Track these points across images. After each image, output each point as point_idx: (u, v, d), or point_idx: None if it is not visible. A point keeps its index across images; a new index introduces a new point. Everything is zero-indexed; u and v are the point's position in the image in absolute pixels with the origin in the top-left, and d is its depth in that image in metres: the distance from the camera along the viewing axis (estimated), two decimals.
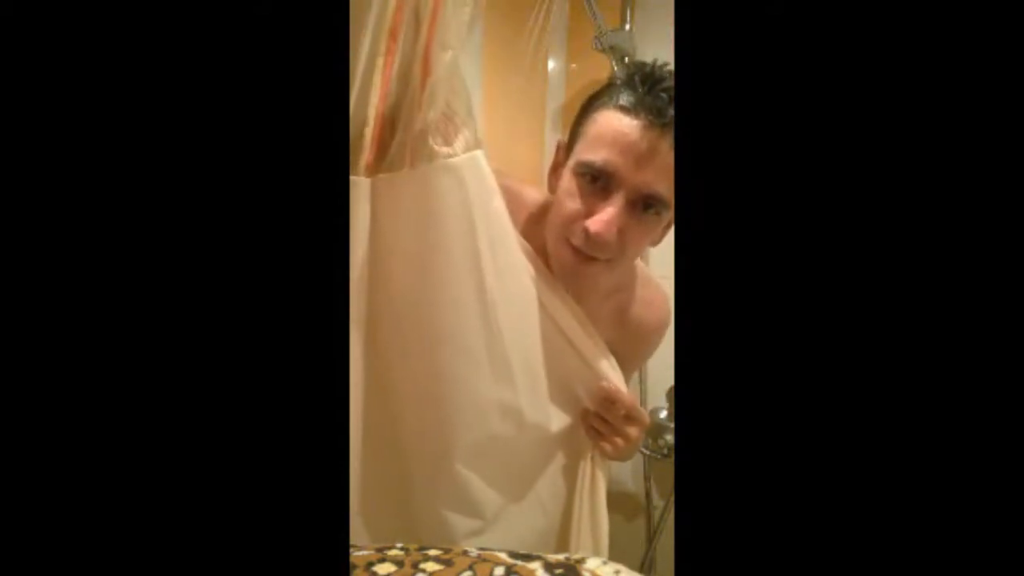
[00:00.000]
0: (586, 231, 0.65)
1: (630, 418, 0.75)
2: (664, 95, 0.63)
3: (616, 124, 0.64)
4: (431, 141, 0.58)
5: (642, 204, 0.65)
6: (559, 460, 0.77)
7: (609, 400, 0.73)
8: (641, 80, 0.64)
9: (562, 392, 0.74)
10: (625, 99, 0.64)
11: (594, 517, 0.75)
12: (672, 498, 1.54)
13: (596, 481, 0.76)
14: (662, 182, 0.63)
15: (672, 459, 1.53)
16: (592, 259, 0.68)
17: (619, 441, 0.74)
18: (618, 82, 0.66)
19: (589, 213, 0.65)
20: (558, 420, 0.73)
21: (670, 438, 1.54)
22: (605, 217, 0.64)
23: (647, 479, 1.65)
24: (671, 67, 0.66)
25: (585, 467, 0.76)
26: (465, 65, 0.59)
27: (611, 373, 0.75)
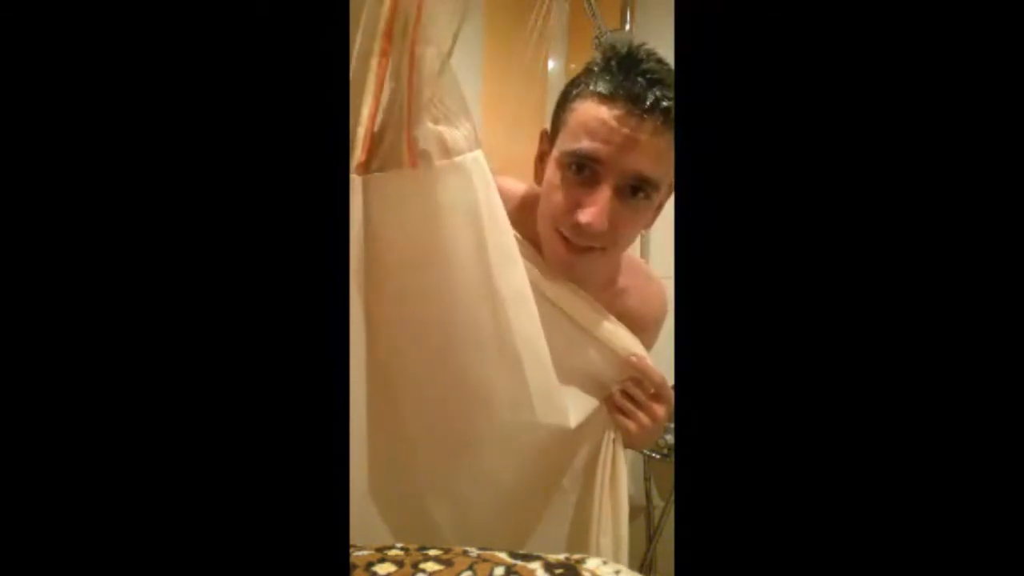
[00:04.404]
0: (577, 223, 0.65)
1: (658, 396, 0.74)
2: (642, 80, 0.62)
3: (595, 113, 0.63)
4: (433, 141, 0.58)
5: (630, 189, 0.65)
6: (579, 449, 0.76)
7: (637, 375, 0.73)
8: (618, 65, 0.63)
9: (581, 380, 0.74)
10: (603, 86, 0.63)
11: (615, 501, 0.74)
12: (672, 498, 1.54)
13: (617, 464, 0.75)
14: (648, 165, 0.63)
15: (672, 459, 1.54)
16: (586, 249, 0.68)
17: (644, 419, 0.73)
18: (595, 68, 0.65)
19: (578, 204, 0.65)
20: (576, 410, 0.73)
21: (670, 438, 1.54)
22: (595, 207, 0.64)
23: (647, 479, 1.65)
24: (648, 47, 0.65)
25: (607, 449, 0.75)
26: (464, 65, 0.59)
27: (638, 350, 0.74)
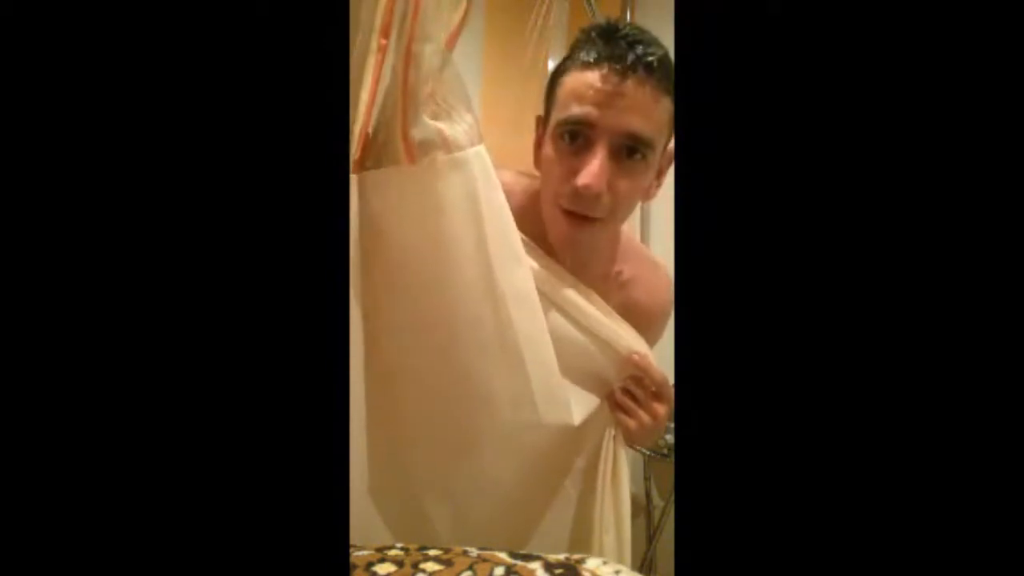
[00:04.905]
0: (575, 187, 0.65)
1: (659, 394, 0.74)
2: (622, 41, 0.64)
3: (581, 79, 0.65)
4: (433, 136, 0.58)
5: (625, 149, 0.65)
6: (581, 450, 0.76)
7: (638, 373, 0.73)
8: (598, 35, 0.66)
9: (582, 378, 0.74)
10: (585, 55, 0.65)
11: (617, 499, 0.74)
12: (672, 498, 1.54)
13: (619, 461, 0.75)
14: (638, 122, 0.64)
15: (672, 459, 1.53)
16: (586, 221, 0.68)
17: (645, 417, 0.73)
18: (579, 44, 0.68)
19: (575, 171, 0.65)
20: (579, 409, 0.73)
21: (670, 438, 1.54)
22: (592, 169, 0.64)
23: (647, 479, 1.65)
24: (629, 24, 0.68)
25: (608, 447, 0.75)
26: (465, 66, 0.59)
27: (640, 348, 0.74)
